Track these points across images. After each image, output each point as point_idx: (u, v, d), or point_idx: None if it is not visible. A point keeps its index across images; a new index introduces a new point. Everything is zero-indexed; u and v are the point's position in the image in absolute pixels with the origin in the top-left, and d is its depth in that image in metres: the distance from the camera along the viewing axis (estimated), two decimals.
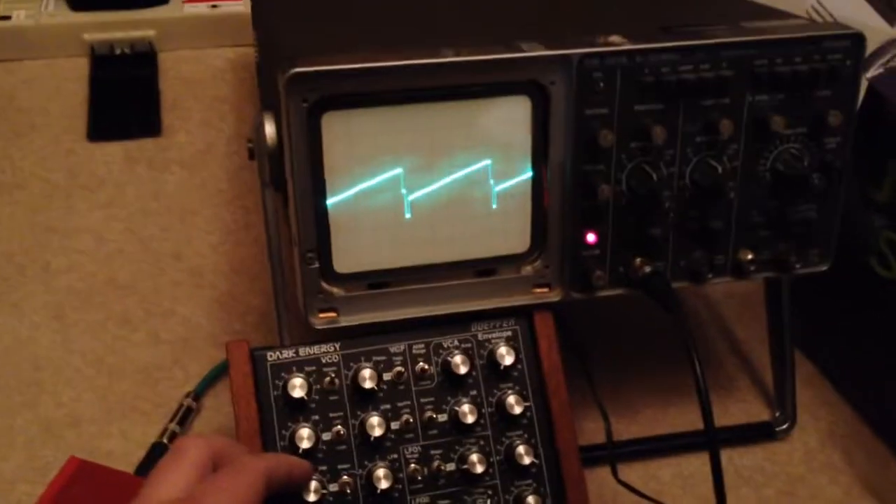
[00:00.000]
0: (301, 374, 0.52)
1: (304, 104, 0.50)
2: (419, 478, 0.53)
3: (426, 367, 0.54)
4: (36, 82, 0.89)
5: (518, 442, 0.54)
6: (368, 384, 0.53)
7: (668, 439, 0.65)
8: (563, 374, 0.56)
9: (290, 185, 0.52)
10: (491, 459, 0.53)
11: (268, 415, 0.52)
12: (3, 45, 0.90)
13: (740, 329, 0.73)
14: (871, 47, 0.58)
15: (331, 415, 0.53)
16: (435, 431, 0.53)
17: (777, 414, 0.67)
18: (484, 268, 0.56)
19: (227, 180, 0.82)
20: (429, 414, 0.53)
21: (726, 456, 0.64)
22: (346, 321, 0.54)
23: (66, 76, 0.89)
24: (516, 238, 0.56)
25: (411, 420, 0.53)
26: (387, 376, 0.54)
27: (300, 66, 0.49)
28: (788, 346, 0.65)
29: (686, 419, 0.66)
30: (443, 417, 0.54)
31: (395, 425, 0.53)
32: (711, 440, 0.51)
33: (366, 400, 0.53)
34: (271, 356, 0.53)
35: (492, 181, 0.54)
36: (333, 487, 0.51)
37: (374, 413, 0.53)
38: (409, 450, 0.53)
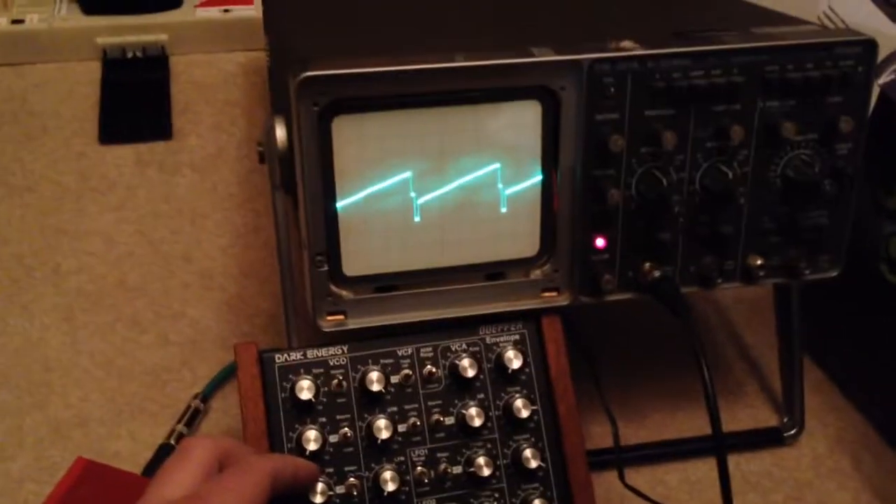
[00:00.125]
0: (309, 377, 0.53)
1: (314, 108, 0.50)
2: (426, 480, 0.53)
3: (434, 370, 0.54)
4: (48, 85, 0.89)
5: (525, 445, 0.54)
6: (376, 387, 0.53)
7: (675, 444, 0.65)
8: (571, 378, 0.56)
9: (300, 189, 0.52)
10: (498, 463, 0.53)
11: (275, 416, 0.52)
12: (16, 49, 0.91)
13: (749, 334, 0.73)
14: (882, 53, 0.58)
15: (338, 417, 0.53)
16: (442, 434, 0.54)
17: (785, 419, 0.67)
18: (493, 271, 0.56)
19: (238, 184, 0.82)
20: (436, 417, 0.53)
21: (734, 461, 0.64)
22: (355, 324, 0.54)
23: (78, 79, 0.90)
24: (525, 242, 0.56)
25: (418, 423, 0.53)
26: (394, 379, 0.54)
27: (311, 70, 0.49)
28: (797, 352, 0.65)
29: (694, 424, 0.66)
30: (450, 420, 0.54)
31: (402, 428, 0.53)
32: (719, 446, 0.51)
33: (373, 402, 0.53)
34: (279, 358, 0.53)
35: (501, 185, 0.54)
36: (340, 489, 0.51)
37: (382, 416, 0.53)
38: (416, 452, 0.53)
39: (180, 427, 0.62)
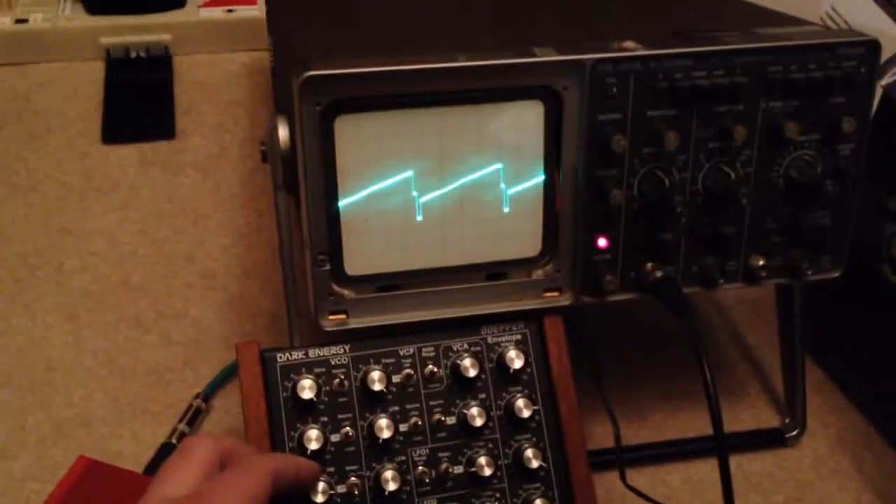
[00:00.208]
0: (310, 376, 0.53)
1: (317, 107, 0.50)
2: (427, 480, 0.53)
3: (435, 369, 0.54)
4: (52, 85, 0.90)
5: (526, 445, 0.54)
6: (377, 386, 0.53)
7: (677, 444, 0.65)
8: (573, 378, 0.56)
9: (302, 188, 0.52)
10: (499, 462, 0.53)
11: (277, 416, 0.52)
12: (20, 48, 0.91)
13: (751, 335, 0.73)
14: (885, 54, 0.58)
15: (339, 416, 0.53)
16: (443, 434, 0.54)
17: (787, 420, 0.67)
18: (495, 271, 0.56)
19: (241, 184, 0.82)
20: (437, 416, 0.53)
21: (735, 462, 0.64)
22: (356, 323, 0.54)
23: (81, 79, 0.90)
24: (527, 242, 0.56)
25: (420, 422, 0.53)
26: (396, 378, 0.54)
27: (314, 70, 0.49)
28: (799, 353, 0.65)
29: (696, 424, 0.66)
30: (451, 420, 0.54)
31: (403, 427, 0.53)
32: (720, 446, 0.51)
33: (375, 402, 0.53)
34: (281, 357, 0.53)
35: (503, 185, 0.54)
36: (341, 489, 0.51)
37: (383, 415, 0.53)
38: (418, 452, 0.53)
39: (182, 426, 0.62)
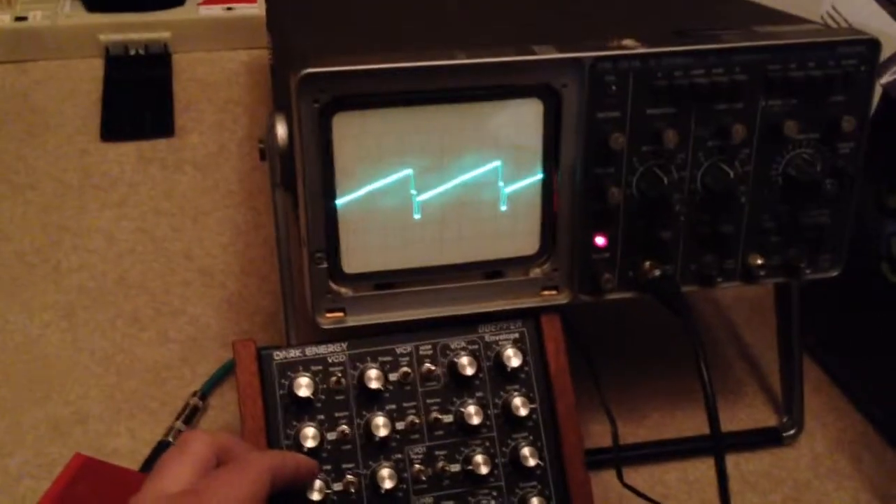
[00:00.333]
0: (307, 374, 0.53)
1: (315, 105, 0.50)
2: (423, 478, 0.53)
3: (432, 367, 0.54)
4: (51, 83, 0.89)
5: (524, 444, 0.54)
6: (374, 384, 0.53)
7: (674, 443, 0.65)
8: (570, 376, 0.56)
9: (300, 186, 0.52)
10: (496, 461, 0.53)
11: (273, 414, 0.52)
12: (19, 46, 0.91)
13: (749, 334, 0.73)
14: (885, 53, 0.58)
15: (336, 414, 0.53)
16: (440, 432, 0.53)
17: (784, 419, 0.67)
18: (492, 270, 0.56)
19: (239, 182, 0.82)
20: (434, 415, 0.53)
21: (733, 461, 0.64)
22: (354, 321, 0.54)
23: (80, 77, 0.90)
24: (525, 240, 0.56)
25: (417, 421, 0.53)
26: (393, 377, 0.54)
27: (312, 67, 0.49)
28: (797, 351, 0.65)
29: (693, 423, 0.65)
30: (448, 418, 0.54)
31: (400, 426, 0.53)
32: (717, 445, 0.51)
33: (371, 400, 0.53)
34: (278, 355, 0.53)
35: (502, 183, 0.54)
36: (338, 486, 0.51)
37: (380, 413, 0.53)
38: (414, 450, 0.53)
39: (179, 424, 0.62)
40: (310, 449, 0.51)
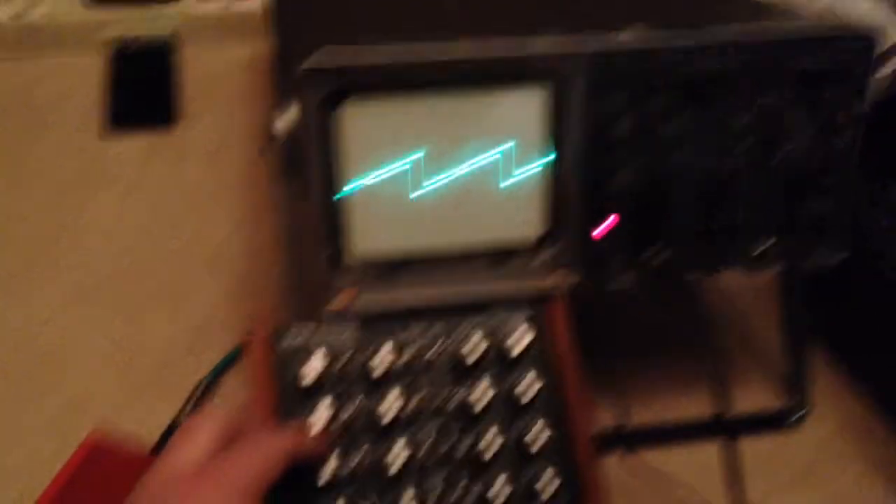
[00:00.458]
0: (317, 356, 0.53)
1: (320, 94, 0.51)
2: (433, 458, 0.53)
3: (440, 350, 0.54)
4: (51, 79, 0.90)
5: (532, 425, 0.54)
6: (383, 367, 0.53)
7: (681, 426, 0.65)
8: (577, 359, 0.56)
9: (305, 173, 0.52)
10: (504, 441, 0.53)
11: (284, 394, 0.52)
12: (19, 42, 0.91)
13: (754, 319, 0.73)
14: (882, 47, 0.59)
15: (347, 394, 0.53)
16: (450, 413, 0.54)
17: (791, 403, 0.67)
18: (498, 254, 0.57)
19: (242, 173, 0.83)
20: (444, 396, 0.54)
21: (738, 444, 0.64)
22: (361, 306, 0.55)
23: (81, 73, 0.90)
24: (531, 225, 0.56)
25: (426, 402, 0.53)
26: (402, 359, 0.54)
27: (316, 57, 0.50)
28: (802, 336, 0.66)
29: (699, 408, 0.66)
30: (458, 399, 0.54)
31: (410, 406, 0.53)
32: (724, 426, 0.52)
33: (381, 382, 0.53)
34: (288, 338, 0.54)
35: (506, 169, 0.55)
36: (348, 466, 0.52)
37: (389, 395, 0.53)
38: (424, 431, 0.53)
39: (188, 407, 0.63)
40: (320, 430, 0.52)
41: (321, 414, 0.52)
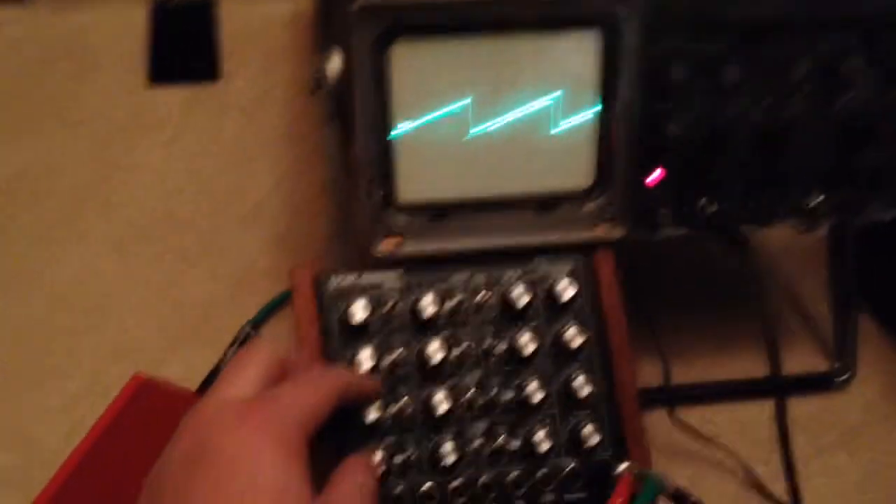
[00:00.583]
0: (363, 299, 0.53)
1: (372, 33, 0.50)
2: (478, 404, 0.53)
3: (486, 297, 0.54)
4: (100, 27, 0.90)
5: (577, 374, 0.54)
6: (429, 312, 0.53)
7: (725, 385, 0.65)
8: (623, 312, 0.56)
9: (356, 115, 0.52)
10: (549, 389, 0.53)
11: (329, 338, 0.53)
12: None
13: (800, 283, 0.72)
14: None
15: (391, 340, 0.53)
16: (494, 360, 0.54)
17: (837, 365, 0.66)
18: (546, 202, 0.56)
19: (284, 126, 0.82)
20: (488, 343, 0.54)
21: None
22: (408, 251, 0.54)
23: (129, 23, 0.90)
24: (580, 174, 0.55)
25: (471, 349, 0.53)
26: (447, 305, 0.54)
27: None
28: (851, 297, 0.64)
29: (742, 367, 0.65)
30: (502, 347, 0.54)
31: (455, 353, 0.53)
32: (774, 385, 0.51)
33: (426, 327, 0.53)
34: (334, 281, 0.54)
35: (558, 115, 0.54)
36: (393, 409, 0.52)
37: (435, 340, 0.53)
38: (469, 377, 0.53)
39: (232, 352, 0.63)
40: (365, 372, 0.52)
41: (367, 355, 0.52)
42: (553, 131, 0.54)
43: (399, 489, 0.51)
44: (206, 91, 0.84)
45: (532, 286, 0.55)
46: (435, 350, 0.52)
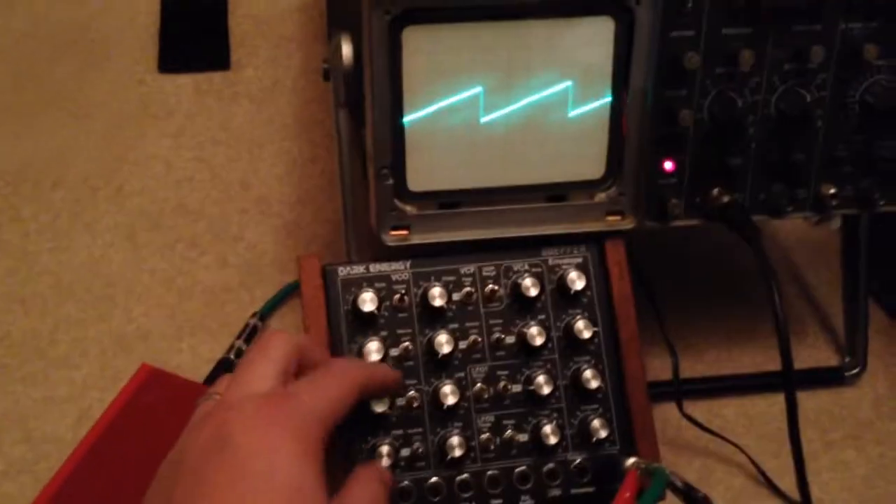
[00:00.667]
0: (371, 290, 0.52)
1: (386, 16, 0.50)
2: (485, 397, 0.52)
3: (496, 288, 0.54)
4: (109, 13, 0.90)
5: (586, 366, 0.53)
6: (438, 302, 0.53)
7: (733, 378, 0.64)
8: (634, 303, 0.55)
9: (367, 101, 0.51)
10: (557, 382, 0.53)
11: (337, 329, 0.52)
12: None
13: (811, 275, 0.72)
14: None
15: (399, 331, 0.53)
16: (502, 352, 0.53)
17: (847, 359, 0.66)
18: (557, 192, 0.55)
19: (294, 115, 0.82)
20: (497, 335, 0.53)
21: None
22: (418, 239, 0.54)
23: (138, 9, 0.90)
24: (591, 163, 0.55)
25: (479, 340, 0.53)
26: (456, 296, 0.53)
27: None
28: (862, 291, 0.64)
29: (751, 360, 0.65)
30: (511, 339, 0.53)
31: (462, 345, 0.53)
32: (785, 379, 0.50)
33: (435, 318, 0.53)
34: (342, 271, 0.53)
35: (570, 104, 0.53)
36: (400, 401, 0.52)
37: (443, 331, 0.52)
38: (477, 369, 0.53)
39: (240, 343, 0.63)
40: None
41: (375, 346, 0.52)
42: (567, 119, 0.53)
43: (405, 482, 0.51)
44: (216, 80, 0.84)
45: (541, 277, 0.54)
46: (443, 342, 0.52)
